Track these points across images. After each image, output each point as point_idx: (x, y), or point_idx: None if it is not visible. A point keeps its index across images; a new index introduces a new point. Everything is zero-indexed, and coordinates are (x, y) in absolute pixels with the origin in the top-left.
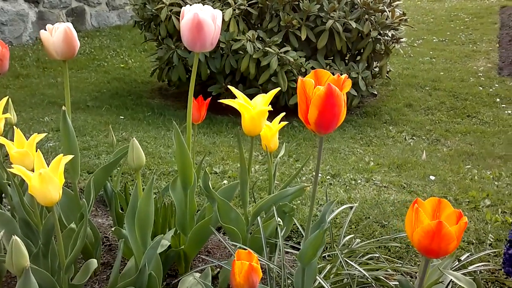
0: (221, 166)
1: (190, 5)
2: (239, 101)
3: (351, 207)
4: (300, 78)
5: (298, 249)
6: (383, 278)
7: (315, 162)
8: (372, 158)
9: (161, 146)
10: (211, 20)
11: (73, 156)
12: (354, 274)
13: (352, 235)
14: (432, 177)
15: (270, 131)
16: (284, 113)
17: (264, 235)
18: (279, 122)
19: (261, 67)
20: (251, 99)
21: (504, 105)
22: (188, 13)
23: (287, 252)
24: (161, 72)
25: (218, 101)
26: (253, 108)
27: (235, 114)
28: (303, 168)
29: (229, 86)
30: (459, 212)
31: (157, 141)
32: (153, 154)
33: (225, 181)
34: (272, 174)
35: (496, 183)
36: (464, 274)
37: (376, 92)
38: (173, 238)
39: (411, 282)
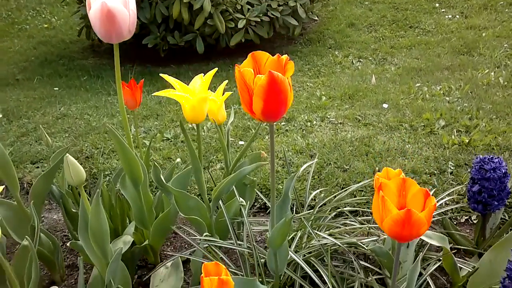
0: (172, 130)
1: None
2: (177, 92)
3: (311, 156)
4: (237, 67)
5: (262, 215)
6: (356, 241)
7: None
8: (323, 92)
9: (104, 117)
10: (123, 5)
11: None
12: (327, 244)
13: (317, 191)
14: (385, 105)
15: (216, 104)
16: (226, 81)
17: (228, 219)
18: (223, 93)
19: (194, 10)
20: (189, 46)
21: (443, 10)
22: (95, 2)
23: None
24: (88, 30)
25: (153, 94)
26: (192, 95)
27: (178, 62)
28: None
29: (161, 75)
30: (425, 191)
31: (99, 111)
32: (97, 128)
33: (178, 159)
34: (226, 145)
35: (447, 98)
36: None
37: (316, 17)
38: (135, 235)
39: (382, 242)
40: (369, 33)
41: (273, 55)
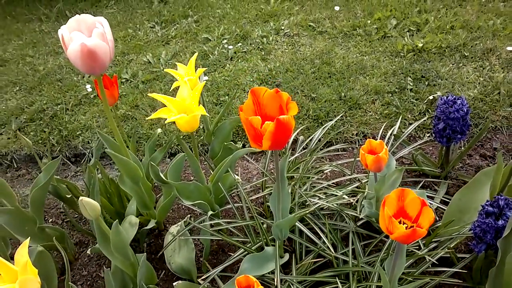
0: (128, 67)
1: None
2: (173, 117)
3: (277, 85)
4: (244, 115)
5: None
6: (348, 200)
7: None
8: None
9: (49, 57)
10: (102, 40)
11: None
12: (320, 204)
13: (294, 134)
14: (336, 8)
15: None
16: (197, 54)
17: (227, 193)
18: (200, 79)
19: None
20: None
21: None
22: (72, 43)
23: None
24: None
25: (147, 118)
26: (183, 108)
27: None
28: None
29: (150, 94)
30: (422, 201)
31: (40, 49)
32: (48, 76)
33: (159, 130)
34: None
35: None
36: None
37: None
38: (140, 218)
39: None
40: None
41: None
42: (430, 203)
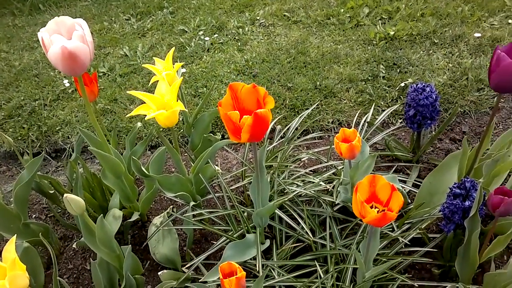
0: (104, 60)
1: None
2: (152, 114)
3: (254, 76)
4: (223, 110)
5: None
6: (324, 187)
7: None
8: None
9: (24, 51)
10: (82, 42)
11: None
12: (298, 192)
13: (272, 123)
14: None
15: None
16: (173, 48)
17: (207, 184)
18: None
19: None
20: None
21: None
22: (53, 46)
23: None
24: None
25: (127, 115)
26: (162, 105)
27: None
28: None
29: (129, 91)
30: (392, 186)
31: (14, 44)
32: (24, 72)
33: (139, 124)
34: (182, 100)
35: None
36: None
37: None
38: (124, 210)
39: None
40: None
41: None
42: (402, 186)
